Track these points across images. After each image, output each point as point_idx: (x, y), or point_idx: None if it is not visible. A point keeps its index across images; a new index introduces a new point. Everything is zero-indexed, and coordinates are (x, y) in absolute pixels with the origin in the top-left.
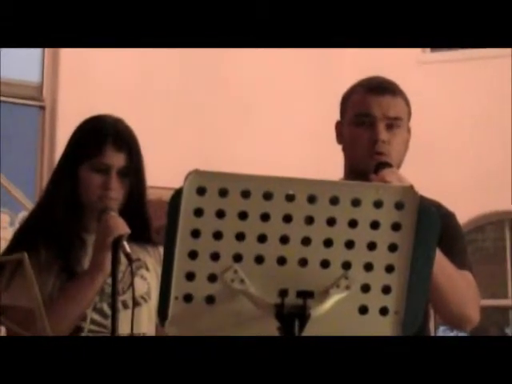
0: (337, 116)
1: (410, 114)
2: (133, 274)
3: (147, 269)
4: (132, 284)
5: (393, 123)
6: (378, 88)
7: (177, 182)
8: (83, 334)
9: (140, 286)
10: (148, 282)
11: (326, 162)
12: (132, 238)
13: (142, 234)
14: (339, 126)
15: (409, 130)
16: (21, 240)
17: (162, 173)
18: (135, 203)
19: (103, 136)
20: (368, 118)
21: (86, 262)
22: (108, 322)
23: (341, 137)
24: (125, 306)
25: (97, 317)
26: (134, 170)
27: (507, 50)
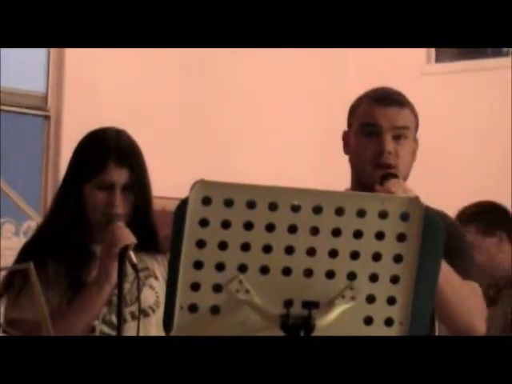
0: (341, 124)
1: (417, 124)
2: (139, 285)
3: (156, 278)
4: (138, 294)
5: (400, 133)
6: (385, 99)
7: (181, 192)
8: None
9: (148, 297)
10: (156, 292)
11: (331, 168)
12: (140, 248)
13: (150, 243)
14: (346, 137)
15: (416, 141)
16: (28, 254)
17: (166, 183)
18: (141, 215)
19: (105, 153)
20: (375, 129)
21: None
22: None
23: (347, 147)
24: (133, 317)
25: (106, 328)
26: (138, 184)
27: (510, 61)
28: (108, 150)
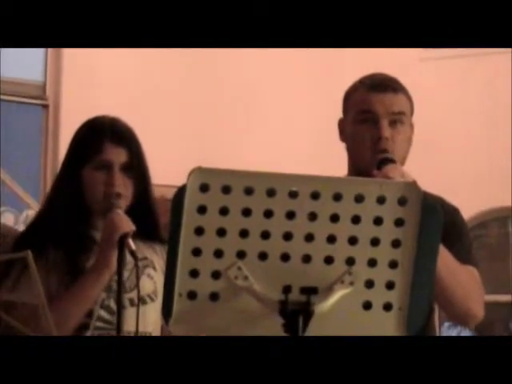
0: (339, 113)
1: (412, 109)
2: (138, 272)
3: (154, 268)
4: (137, 281)
5: (396, 119)
6: (379, 85)
7: (179, 180)
8: (89, 331)
9: (147, 285)
10: (155, 282)
11: (328, 159)
12: (140, 236)
13: (150, 231)
14: (342, 124)
15: (412, 126)
16: (27, 241)
17: (165, 171)
18: (142, 199)
19: (101, 134)
20: (370, 115)
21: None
22: (114, 319)
23: (344, 135)
24: (132, 303)
25: (104, 314)
26: (137, 165)
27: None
28: (103, 131)
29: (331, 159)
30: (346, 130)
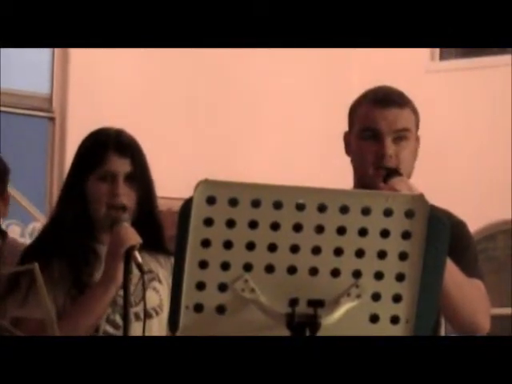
0: (344, 122)
1: (418, 123)
2: (144, 285)
3: (159, 281)
4: (143, 295)
5: (401, 135)
6: (383, 100)
7: (186, 192)
8: None
9: (152, 299)
10: (160, 295)
11: (335, 167)
12: (144, 247)
13: (154, 242)
14: (347, 137)
15: (417, 139)
16: (33, 254)
17: (172, 183)
18: (146, 210)
19: (105, 145)
20: (374, 133)
21: (100, 274)
22: (119, 333)
23: (349, 148)
24: (137, 317)
25: (109, 328)
26: (140, 175)
27: None
28: (108, 142)
29: (337, 167)
30: (351, 144)
